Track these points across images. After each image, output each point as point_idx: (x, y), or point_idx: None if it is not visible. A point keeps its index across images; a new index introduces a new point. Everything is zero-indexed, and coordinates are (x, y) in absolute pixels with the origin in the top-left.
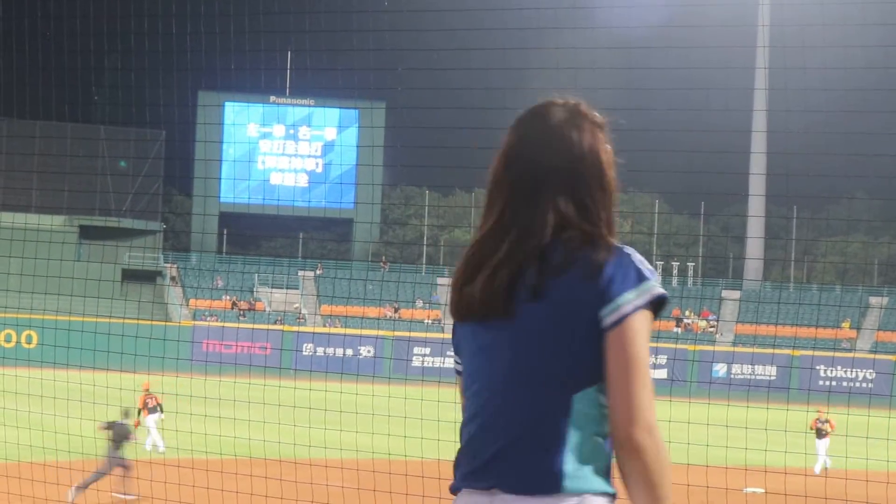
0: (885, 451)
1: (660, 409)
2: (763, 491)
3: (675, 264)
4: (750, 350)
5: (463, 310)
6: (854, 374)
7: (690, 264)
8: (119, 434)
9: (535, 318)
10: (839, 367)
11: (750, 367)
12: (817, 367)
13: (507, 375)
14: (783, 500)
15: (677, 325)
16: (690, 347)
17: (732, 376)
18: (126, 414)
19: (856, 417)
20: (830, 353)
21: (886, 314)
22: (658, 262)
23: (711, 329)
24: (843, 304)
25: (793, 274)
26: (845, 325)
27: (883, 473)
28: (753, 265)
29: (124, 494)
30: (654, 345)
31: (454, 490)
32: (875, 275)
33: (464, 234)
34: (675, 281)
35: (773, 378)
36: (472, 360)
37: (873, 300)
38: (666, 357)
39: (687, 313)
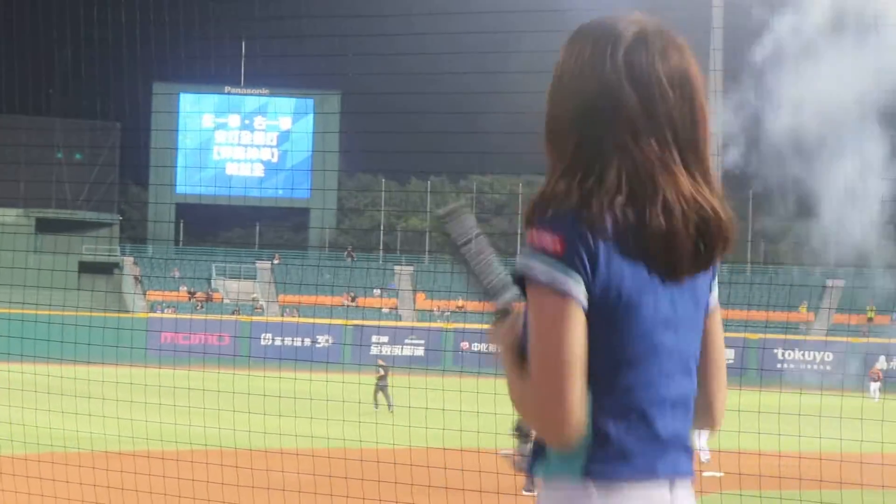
0: (838, 431)
1: None
2: (721, 474)
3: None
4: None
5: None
6: (813, 357)
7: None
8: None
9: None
10: (797, 350)
11: None
12: (774, 350)
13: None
14: (738, 479)
15: None
16: None
17: None
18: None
19: (810, 398)
20: (788, 336)
21: (843, 297)
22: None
23: None
24: (801, 287)
25: (749, 256)
26: (802, 308)
27: (837, 454)
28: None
29: None
30: None
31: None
32: (832, 257)
33: (420, 222)
34: None
35: (729, 360)
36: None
37: (831, 282)
38: None
39: None
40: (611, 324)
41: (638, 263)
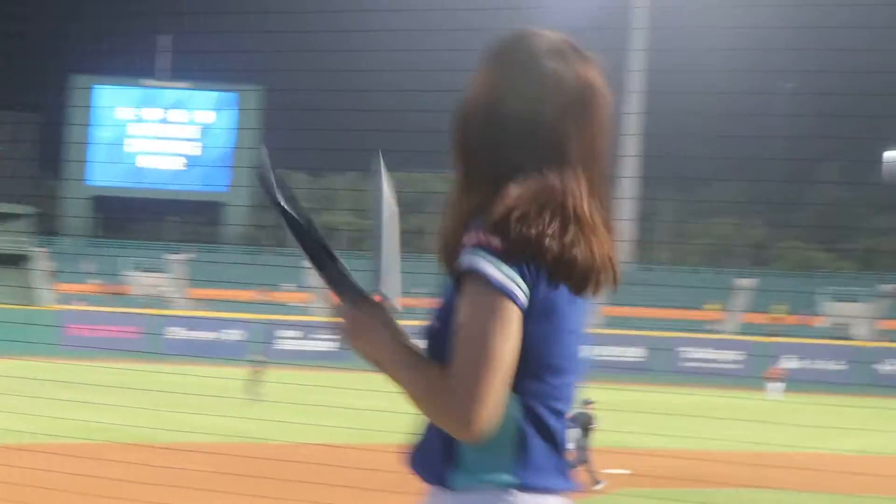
0: (749, 433)
1: None
2: (629, 472)
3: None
4: (618, 332)
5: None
6: (721, 356)
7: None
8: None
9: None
10: (706, 349)
11: (618, 348)
12: (683, 349)
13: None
14: (645, 480)
15: None
16: None
17: (600, 358)
18: (586, 402)
19: (720, 399)
20: (697, 335)
21: (752, 297)
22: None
23: None
24: (711, 286)
25: (662, 256)
26: (712, 306)
27: (751, 454)
28: (623, 246)
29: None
30: None
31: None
32: (743, 257)
33: (333, 217)
34: None
35: (641, 359)
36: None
37: (740, 282)
38: None
39: None
40: (543, 331)
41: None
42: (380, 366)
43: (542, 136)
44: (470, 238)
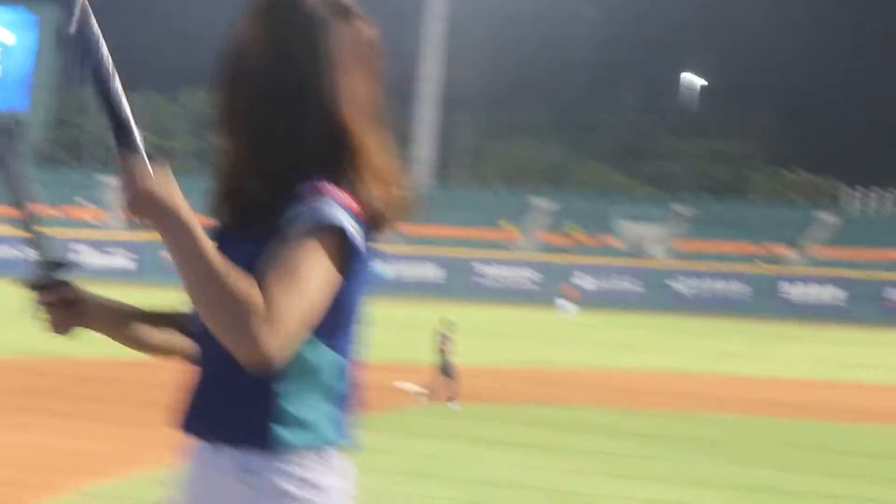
0: (544, 350)
1: None
2: (426, 391)
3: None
4: (415, 251)
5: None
6: (516, 274)
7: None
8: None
9: None
10: (502, 267)
11: (418, 268)
12: (479, 268)
13: None
14: (443, 398)
15: None
16: None
17: (399, 277)
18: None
19: (515, 317)
20: (493, 254)
21: (547, 215)
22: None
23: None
24: (508, 206)
25: (460, 175)
26: (508, 225)
27: (543, 371)
28: (424, 168)
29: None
30: None
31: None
32: (539, 178)
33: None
34: None
35: (441, 280)
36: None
37: (537, 202)
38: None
39: None
40: (357, 286)
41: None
42: (175, 244)
43: (320, 93)
44: (314, 191)
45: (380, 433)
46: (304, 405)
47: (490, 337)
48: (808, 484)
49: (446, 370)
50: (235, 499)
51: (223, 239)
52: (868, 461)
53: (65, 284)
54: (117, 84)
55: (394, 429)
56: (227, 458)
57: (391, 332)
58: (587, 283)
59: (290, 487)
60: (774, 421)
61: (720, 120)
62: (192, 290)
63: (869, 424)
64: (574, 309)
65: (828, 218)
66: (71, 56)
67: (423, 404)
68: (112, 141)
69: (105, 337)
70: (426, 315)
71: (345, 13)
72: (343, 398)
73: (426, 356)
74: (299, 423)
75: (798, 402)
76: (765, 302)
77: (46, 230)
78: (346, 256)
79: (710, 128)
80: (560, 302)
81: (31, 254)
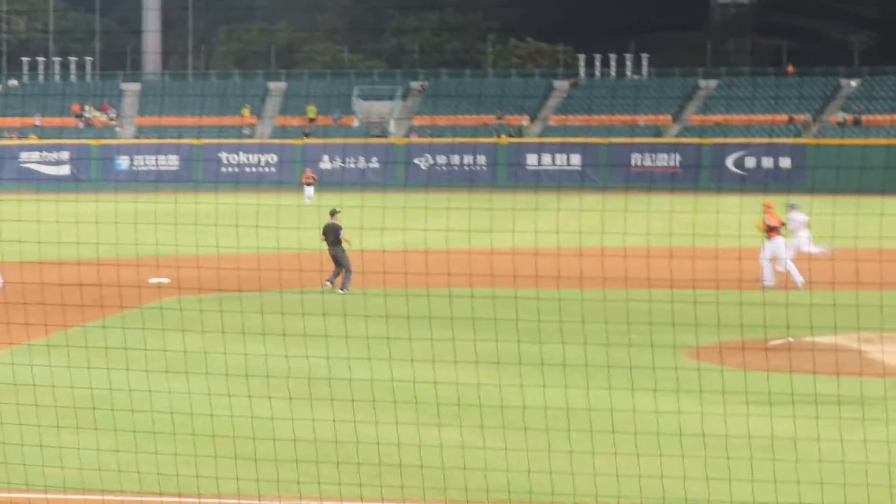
0: (285, 236)
1: (65, 208)
2: (168, 281)
3: (73, 60)
4: (153, 141)
5: None
6: (257, 160)
7: (88, 59)
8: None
9: None
10: (242, 154)
11: (153, 158)
12: (220, 155)
13: None
14: (182, 290)
15: (78, 120)
16: (93, 142)
17: (135, 169)
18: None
19: (257, 204)
20: (233, 140)
21: (284, 99)
22: (55, 59)
23: (113, 123)
24: (243, 92)
25: (191, 63)
26: (245, 111)
27: (286, 255)
28: (151, 58)
29: None
30: (57, 141)
31: None
32: (273, 61)
33: None
34: (73, 77)
35: (176, 169)
36: None
37: (272, 85)
38: (69, 154)
39: (87, 108)
40: None
41: None
42: None
43: None
44: None
45: (132, 331)
46: None
47: (235, 226)
48: (554, 354)
49: (337, 258)
50: None
51: None
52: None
53: None
54: None
55: (145, 326)
56: None
57: (131, 227)
58: (326, 164)
59: None
60: (523, 292)
61: None
62: None
63: (616, 290)
64: (311, 193)
65: (562, 85)
66: None
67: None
68: None
69: None
70: (167, 209)
71: None
72: None
73: (175, 250)
74: None
75: (545, 272)
76: (506, 174)
77: None
78: None
79: (440, 1)
80: (305, 188)
81: None
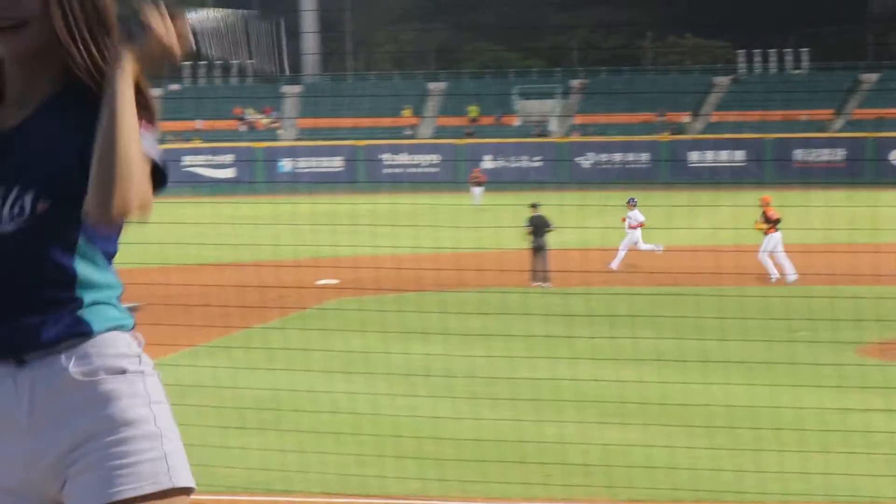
0: (456, 236)
1: (231, 211)
2: (337, 282)
3: (235, 63)
4: (314, 143)
5: None
6: (418, 161)
7: (249, 62)
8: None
9: None
10: (404, 154)
11: (317, 160)
12: (382, 157)
13: None
14: (356, 290)
15: (241, 123)
16: (257, 145)
17: (298, 171)
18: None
19: (423, 204)
20: (395, 141)
21: (445, 100)
22: (216, 63)
23: (275, 125)
24: (404, 92)
25: (351, 65)
26: (406, 112)
27: (454, 256)
28: (311, 60)
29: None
30: (221, 144)
31: None
32: (432, 61)
33: None
34: (234, 80)
35: (339, 170)
36: None
37: (432, 86)
38: (233, 157)
39: (249, 111)
40: None
41: None
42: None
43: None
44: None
45: (303, 332)
46: (103, 298)
47: (401, 226)
48: (730, 351)
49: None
50: (77, 397)
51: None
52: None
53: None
54: None
55: (316, 326)
56: (49, 364)
57: (299, 229)
58: (488, 164)
59: (124, 364)
60: (693, 290)
61: None
62: (123, 138)
63: (782, 287)
64: (480, 193)
65: (722, 81)
66: None
67: (349, 299)
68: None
69: None
70: (333, 210)
71: None
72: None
73: (338, 251)
74: (104, 309)
75: (712, 269)
76: (670, 171)
77: None
78: None
79: None
80: (473, 188)
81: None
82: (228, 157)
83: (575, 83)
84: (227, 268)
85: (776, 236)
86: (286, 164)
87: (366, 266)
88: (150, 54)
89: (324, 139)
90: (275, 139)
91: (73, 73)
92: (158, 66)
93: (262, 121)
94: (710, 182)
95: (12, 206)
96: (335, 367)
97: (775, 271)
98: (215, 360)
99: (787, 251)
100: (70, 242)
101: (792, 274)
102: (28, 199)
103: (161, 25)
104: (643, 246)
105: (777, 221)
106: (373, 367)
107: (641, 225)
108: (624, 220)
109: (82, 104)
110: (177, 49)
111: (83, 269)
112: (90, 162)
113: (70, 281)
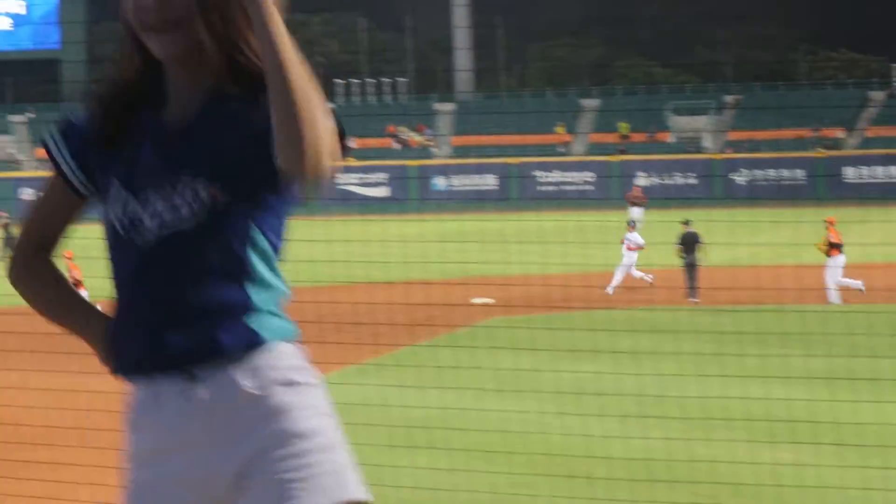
0: (607, 254)
1: (387, 229)
2: (492, 301)
3: (387, 81)
4: (469, 161)
5: None
6: (572, 178)
7: (401, 80)
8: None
9: None
10: (557, 172)
11: (470, 178)
12: (535, 174)
13: None
14: (508, 309)
15: (394, 141)
16: (410, 163)
17: (452, 189)
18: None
19: (576, 220)
20: (547, 159)
21: (597, 116)
22: (369, 80)
23: (429, 143)
24: (557, 109)
25: (504, 81)
26: (559, 129)
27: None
28: (464, 77)
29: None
30: (375, 162)
31: None
32: (585, 77)
33: None
34: (387, 97)
35: (493, 188)
36: None
37: (585, 102)
38: (387, 175)
39: (402, 129)
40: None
41: None
42: (274, 26)
43: None
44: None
45: (461, 350)
46: (271, 302)
47: (554, 243)
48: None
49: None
50: (250, 411)
51: None
52: None
53: None
54: None
55: (476, 344)
56: (220, 379)
57: (453, 246)
58: (641, 180)
59: (294, 375)
60: (850, 307)
61: (759, 4)
62: (289, 76)
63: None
64: (641, 214)
65: (878, 96)
66: None
67: (501, 318)
68: None
69: None
70: (486, 227)
71: None
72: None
73: (498, 269)
74: (273, 317)
75: (871, 287)
76: (826, 187)
77: None
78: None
79: (749, 12)
80: (631, 209)
81: None
82: (382, 176)
83: (728, 99)
84: (377, 286)
85: (840, 258)
86: (440, 182)
87: (518, 284)
88: None
89: (477, 157)
90: (428, 157)
91: (232, 69)
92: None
93: (416, 139)
94: (868, 198)
95: (190, 201)
96: (488, 386)
97: (837, 298)
98: (381, 377)
99: None
100: (245, 235)
101: (836, 299)
102: (203, 191)
103: None
104: (635, 273)
105: (837, 245)
106: (526, 386)
107: (640, 248)
108: (623, 241)
109: (243, 98)
110: None
111: (256, 264)
112: (259, 149)
113: (244, 276)
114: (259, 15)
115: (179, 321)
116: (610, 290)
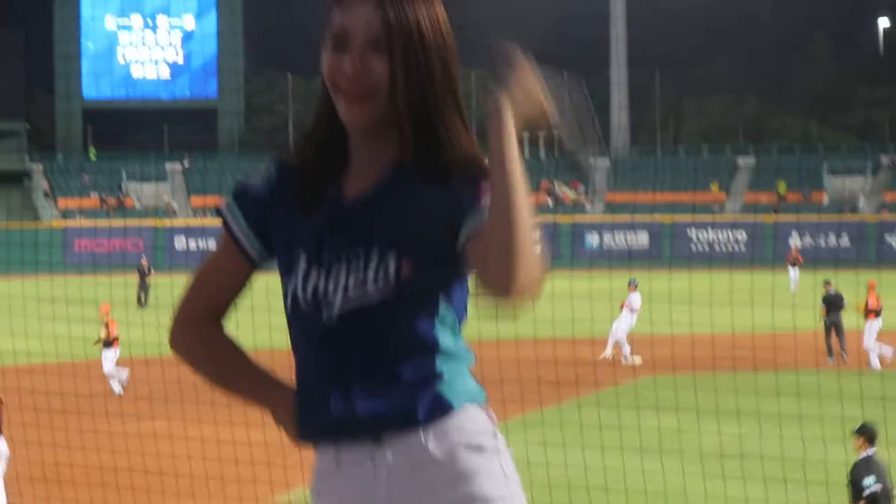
0: (763, 315)
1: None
2: (639, 362)
3: (541, 135)
4: (622, 219)
5: None
6: (727, 237)
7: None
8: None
9: None
10: (711, 231)
11: (623, 235)
12: (689, 232)
13: None
14: (659, 369)
15: (549, 197)
16: (562, 219)
17: (605, 247)
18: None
19: (726, 281)
20: (701, 217)
21: (754, 175)
22: (523, 134)
23: (583, 199)
24: (712, 167)
25: (659, 139)
26: (714, 187)
27: (765, 336)
28: (620, 132)
29: None
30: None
31: None
32: (741, 134)
33: None
34: (542, 153)
35: (646, 247)
36: None
37: (741, 161)
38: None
39: (557, 184)
40: None
41: None
42: (513, 153)
43: (455, 73)
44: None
45: (606, 409)
46: (460, 369)
47: (703, 303)
48: None
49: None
50: (436, 475)
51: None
52: None
53: None
54: None
55: (619, 404)
56: (407, 442)
57: (604, 304)
58: (796, 241)
59: (482, 440)
60: None
61: None
62: (515, 205)
63: None
64: (796, 275)
65: None
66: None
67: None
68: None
69: None
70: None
71: None
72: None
73: (641, 327)
74: (462, 382)
75: None
76: None
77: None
78: None
79: None
80: (788, 269)
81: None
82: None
83: (885, 159)
84: (525, 343)
85: (875, 324)
86: (592, 239)
87: (664, 344)
88: (523, 109)
89: (630, 213)
90: (582, 213)
91: (420, 149)
92: (532, 124)
93: (570, 194)
94: None
95: (376, 273)
96: (632, 446)
97: (876, 363)
98: (527, 434)
99: None
100: (433, 309)
101: (877, 363)
102: (391, 264)
103: (531, 80)
104: (623, 336)
105: (875, 311)
106: (669, 446)
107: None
108: (623, 305)
109: (426, 177)
110: (548, 108)
111: (444, 337)
112: (448, 233)
113: (433, 349)
114: (497, 136)
115: (370, 390)
116: (605, 354)
